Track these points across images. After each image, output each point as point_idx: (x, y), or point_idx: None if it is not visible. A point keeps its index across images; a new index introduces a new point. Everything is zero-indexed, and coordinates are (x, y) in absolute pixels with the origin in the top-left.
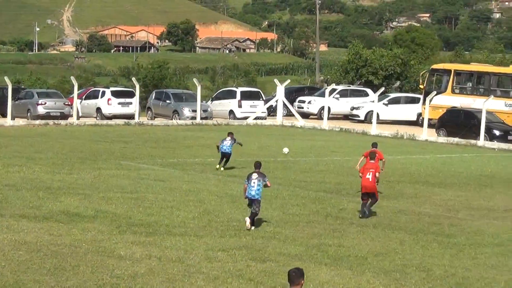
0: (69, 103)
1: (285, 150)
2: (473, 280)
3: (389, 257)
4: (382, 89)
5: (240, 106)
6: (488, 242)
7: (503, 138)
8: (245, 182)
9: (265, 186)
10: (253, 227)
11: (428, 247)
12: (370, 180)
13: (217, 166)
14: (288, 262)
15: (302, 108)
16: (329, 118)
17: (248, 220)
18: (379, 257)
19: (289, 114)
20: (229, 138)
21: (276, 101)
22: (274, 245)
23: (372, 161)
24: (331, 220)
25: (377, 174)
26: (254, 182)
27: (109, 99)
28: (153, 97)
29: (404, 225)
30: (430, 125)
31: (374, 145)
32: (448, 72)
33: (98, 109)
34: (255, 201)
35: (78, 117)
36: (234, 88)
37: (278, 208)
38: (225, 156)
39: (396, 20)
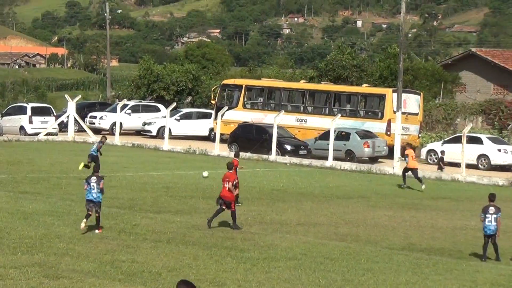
0: None
1: (205, 173)
2: None
3: (183, 272)
4: (174, 104)
5: (30, 122)
6: (281, 256)
7: (294, 153)
8: (84, 183)
9: (101, 190)
10: (97, 231)
11: (221, 261)
12: (227, 189)
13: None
14: (82, 278)
15: (94, 123)
16: (121, 134)
17: (84, 222)
18: (173, 272)
19: (80, 129)
20: (98, 141)
21: (68, 116)
22: (67, 261)
23: (230, 171)
24: (124, 236)
25: (229, 184)
26: (93, 185)
27: None
28: None
29: (197, 240)
30: (222, 140)
31: (236, 155)
32: (239, 87)
33: None
34: (96, 203)
35: None
36: (24, 104)
37: (71, 225)
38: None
39: (187, 35)
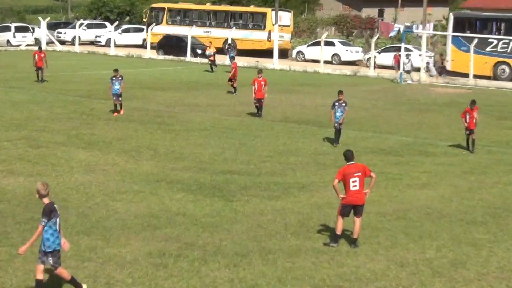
0: None
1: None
2: (187, 154)
3: (127, 141)
4: (117, 22)
5: (14, 36)
6: (196, 128)
7: (202, 55)
8: (110, 82)
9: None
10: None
11: (154, 133)
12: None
13: None
14: (55, 147)
15: (60, 37)
16: (80, 44)
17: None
18: (120, 141)
19: (50, 42)
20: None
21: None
22: (45, 136)
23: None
24: (85, 117)
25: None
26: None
27: None
28: None
29: (137, 118)
30: (152, 47)
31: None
32: (163, 9)
33: None
34: (118, 95)
35: None
36: (9, 24)
37: (46, 109)
38: None
39: None
